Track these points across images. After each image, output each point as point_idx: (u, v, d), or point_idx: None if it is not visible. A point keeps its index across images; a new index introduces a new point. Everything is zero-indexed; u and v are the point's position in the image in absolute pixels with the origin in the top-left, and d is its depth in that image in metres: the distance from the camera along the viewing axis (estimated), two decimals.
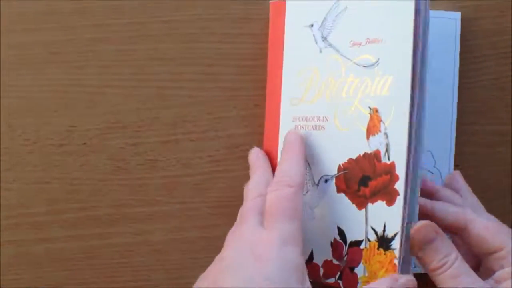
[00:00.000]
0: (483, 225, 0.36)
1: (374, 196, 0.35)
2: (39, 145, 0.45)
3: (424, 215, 0.36)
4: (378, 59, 0.35)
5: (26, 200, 0.44)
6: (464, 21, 0.43)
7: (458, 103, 0.43)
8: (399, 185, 0.34)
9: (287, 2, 0.41)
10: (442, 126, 0.43)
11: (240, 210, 0.36)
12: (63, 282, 0.45)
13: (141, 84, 0.44)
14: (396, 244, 0.34)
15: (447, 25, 0.43)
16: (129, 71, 0.44)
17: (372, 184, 0.36)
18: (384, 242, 0.35)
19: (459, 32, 0.43)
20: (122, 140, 0.44)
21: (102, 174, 0.45)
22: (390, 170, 0.35)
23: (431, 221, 0.34)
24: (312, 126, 0.39)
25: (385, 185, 0.35)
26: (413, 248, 0.34)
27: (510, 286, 0.34)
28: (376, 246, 0.35)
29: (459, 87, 0.43)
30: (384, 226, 0.35)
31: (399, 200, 0.34)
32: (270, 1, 0.43)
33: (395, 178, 0.34)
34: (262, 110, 0.43)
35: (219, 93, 0.44)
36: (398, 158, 0.34)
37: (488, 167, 0.44)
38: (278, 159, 0.38)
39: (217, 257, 0.34)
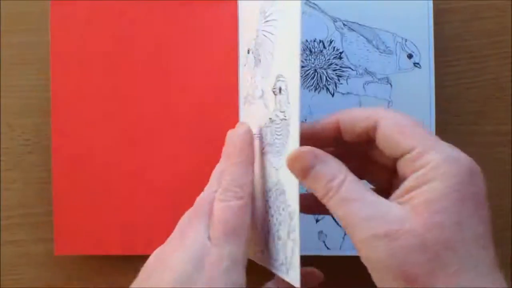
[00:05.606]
0: (395, 121, 0.28)
1: None
2: (39, 145, 0.45)
3: (332, 130, 0.31)
4: None
5: (26, 200, 0.44)
6: (464, 21, 0.43)
7: (458, 103, 0.43)
8: None
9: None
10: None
11: (198, 198, 0.33)
12: (63, 282, 0.45)
13: None
14: None
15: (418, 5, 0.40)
16: None
17: None
18: None
19: (431, 13, 0.40)
20: None
21: None
22: None
23: (340, 134, 0.31)
24: None
25: None
26: (298, 179, 0.29)
27: (420, 198, 0.26)
28: None
29: (459, 87, 0.43)
30: None
31: None
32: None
33: None
34: None
35: None
36: None
37: (488, 167, 0.44)
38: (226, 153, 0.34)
39: (161, 255, 0.32)
